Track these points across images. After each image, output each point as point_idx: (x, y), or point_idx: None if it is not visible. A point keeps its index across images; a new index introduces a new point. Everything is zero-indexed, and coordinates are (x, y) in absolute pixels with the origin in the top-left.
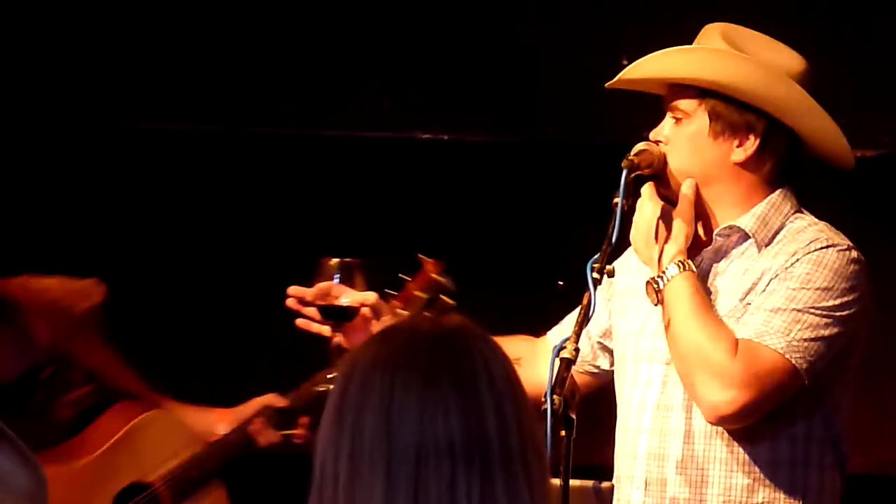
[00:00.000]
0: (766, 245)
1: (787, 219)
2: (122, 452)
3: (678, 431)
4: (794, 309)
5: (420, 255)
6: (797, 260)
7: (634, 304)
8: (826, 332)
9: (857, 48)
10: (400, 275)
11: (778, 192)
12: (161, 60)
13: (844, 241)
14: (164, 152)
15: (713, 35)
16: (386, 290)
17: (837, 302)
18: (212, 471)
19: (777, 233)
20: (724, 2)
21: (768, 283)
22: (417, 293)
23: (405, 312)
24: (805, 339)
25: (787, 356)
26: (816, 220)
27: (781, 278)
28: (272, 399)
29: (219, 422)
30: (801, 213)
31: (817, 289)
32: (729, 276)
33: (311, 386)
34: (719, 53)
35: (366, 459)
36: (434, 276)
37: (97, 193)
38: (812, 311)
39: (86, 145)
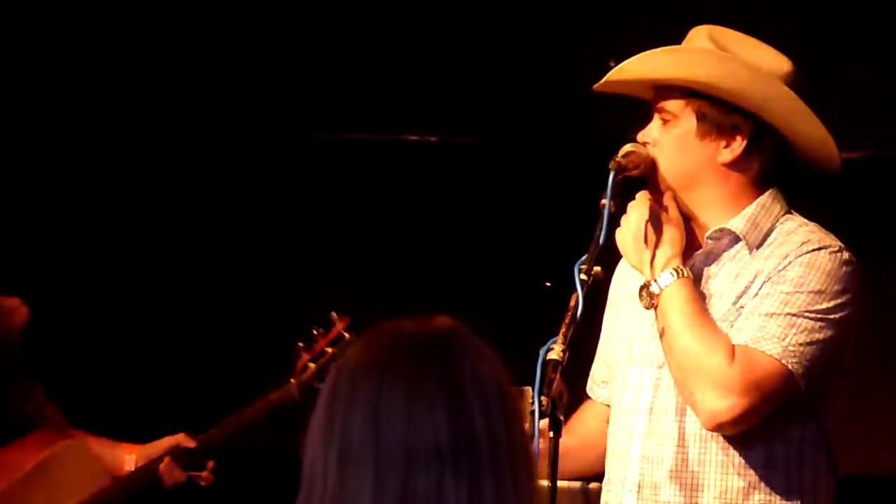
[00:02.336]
0: (757, 247)
1: (778, 220)
2: (35, 483)
3: (671, 435)
4: (788, 313)
5: (332, 313)
6: (789, 263)
7: (627, 308)
8: (820, 336)
9: (843, 50)
10: (313, 328)
11: (767, 193)
12: (150, 63)
13: (836, 243)
14: (152, 155)
15: (700, 36)
16: (297, 343)
17: (831, 304)
18: None
19: (768, 234)
20: (711, 4)
21: (761, 287)
22: (327, 349)
23: (313, 365)
24: (800, 344)
25: (783, 361)
26: (807, 221)
27: (774, 281)
28: (182, 439)
29: (129, 456)
30: (791, 213)
31: (810, 292)
32: (721, 279)
33: (221, 431)
34: (705, 53)
35: (354, 461)
36: (343, 332)
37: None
38: (806, 314)
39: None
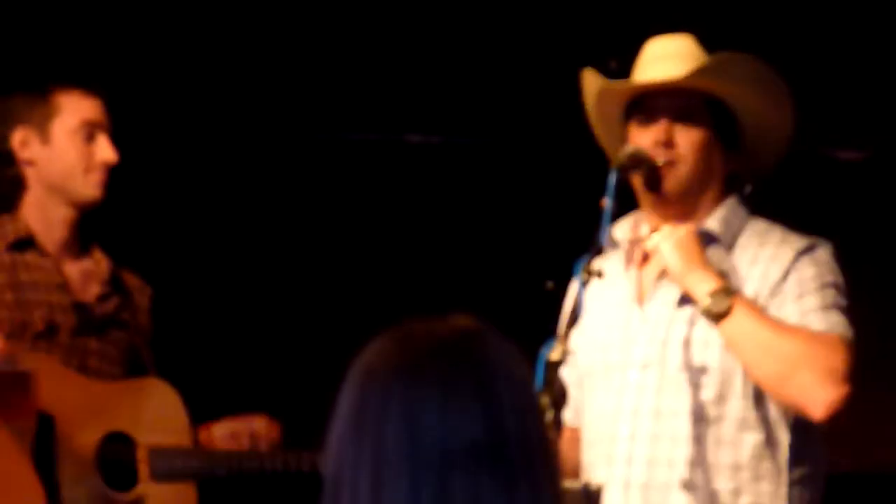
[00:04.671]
0: (730, 247)
1: (745, 221)
2: (130, 398)
3: (658, 436)
4: (826, 308)
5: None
6: (793, 266)
7: (600, 313)
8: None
9: (845, 51)
10: None
11: (732, 196)
12: (146, 62)
13: (815, 238)
14: (159, 155)
15: (688, 44)
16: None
17: (843, 295)
18: (198, 474)
19: (738, 235)
20: (708, 6)
21: (773, 296)
22: None
23: None
24: (843, 323)
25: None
26: (770, 221)
27: (795, 286)
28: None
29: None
30: (753, 215)
31: (831, 286)
32: None
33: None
34: (742, 63)
35: (389, 468)
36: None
37: None
38: (835, 307)
39: None
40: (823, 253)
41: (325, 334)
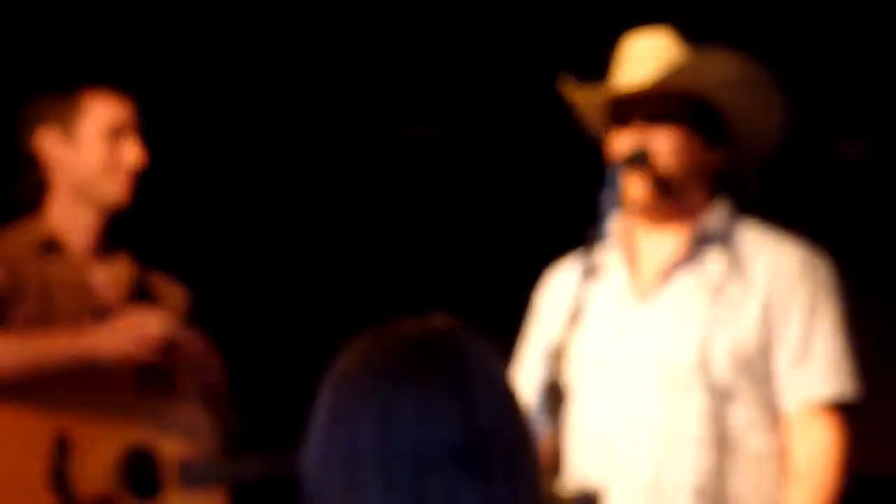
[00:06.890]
0: (730, 248)
1: (737, 220)
2: (151, 405)
3: (663, 438)
4: (833, 351)
5: None
6: (798, 287)
7: (591, 307)
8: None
9: (847, 48)
10: None
11: (724, 195)
12: (152, 60)
13: (811, 248)
14: (168, 154)
15: (662, 39)
16: None
17: (840, 309)
18: (221, 480)
19: (734, 235)
20: (710, 3)
21: (781, 314)
22: None
23: None
24: (848, 363)
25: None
26: (757, 222)
27: (807, 313)
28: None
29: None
30: (741, 214)
31: (835, 314)
32: (712, 286)
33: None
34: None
35: (364, 470)
36: None
37: None
38: (839, 335)
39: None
40: (823, 271)
41: (320, 332)
